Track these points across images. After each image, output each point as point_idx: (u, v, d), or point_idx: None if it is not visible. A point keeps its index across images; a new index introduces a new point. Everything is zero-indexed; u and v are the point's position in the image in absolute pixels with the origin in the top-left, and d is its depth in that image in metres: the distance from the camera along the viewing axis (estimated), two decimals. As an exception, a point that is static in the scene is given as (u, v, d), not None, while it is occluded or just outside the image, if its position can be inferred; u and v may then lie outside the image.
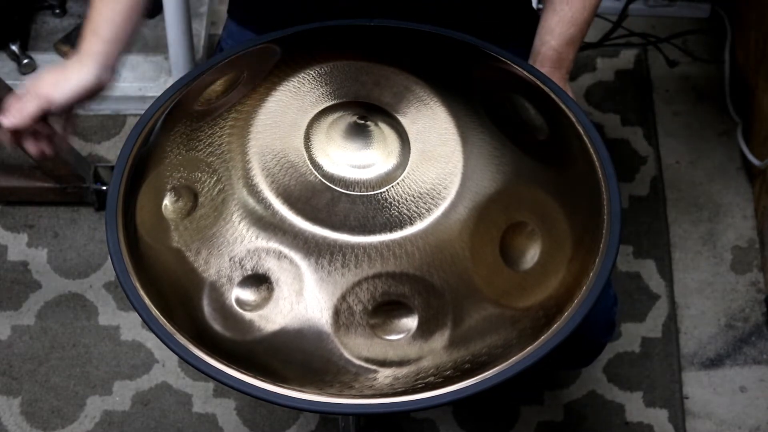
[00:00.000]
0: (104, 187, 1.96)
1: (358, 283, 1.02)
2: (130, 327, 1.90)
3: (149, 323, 1.06)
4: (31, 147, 1.27)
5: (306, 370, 1.03)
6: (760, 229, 1.98)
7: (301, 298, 1.02)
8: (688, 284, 1.95)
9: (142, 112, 1.20)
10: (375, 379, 1.02)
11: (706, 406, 1.84)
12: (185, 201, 1.08)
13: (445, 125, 1.08)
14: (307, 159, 1.07)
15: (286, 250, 1.03)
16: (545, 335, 1.04)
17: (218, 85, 1.17)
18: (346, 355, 1.02)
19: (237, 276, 1.04)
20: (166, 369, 1.87)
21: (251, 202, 1.05)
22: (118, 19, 1.25)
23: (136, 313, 1.06)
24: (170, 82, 2.00)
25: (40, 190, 1.98)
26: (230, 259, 1.04)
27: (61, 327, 1.91)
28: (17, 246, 1.99)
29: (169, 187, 1.10)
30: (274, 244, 1.03)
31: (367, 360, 1.02)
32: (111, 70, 1.26)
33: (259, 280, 1.04)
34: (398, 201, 1.04)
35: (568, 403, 1.84)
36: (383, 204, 1.04)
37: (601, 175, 1.13)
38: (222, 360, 1.03)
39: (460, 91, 1.12)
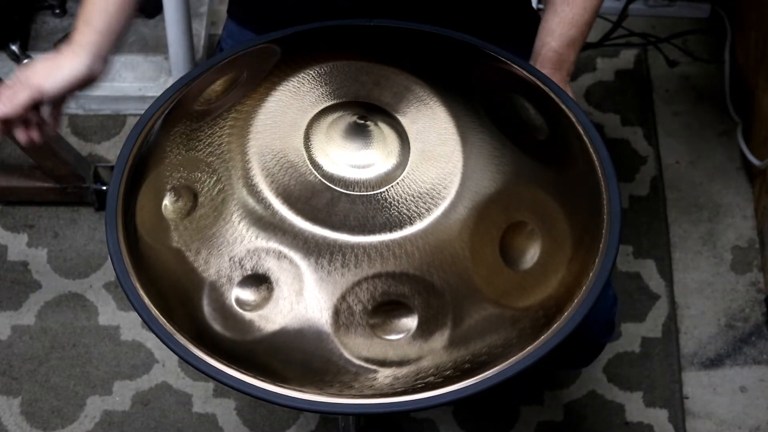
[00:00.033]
0: (104, 187, 1.96)
1: (358, 283, 1.02)
2: (130, 327, 1.90)
3: (149, 323, 1.06)
4: (21, 135, 1.27)
5: (306, 370, 1.03)
6: (760, 229, 1.98)
7: (301, 298, 1.02)
8: (688, 284, 1.95)
9: (142, 112, 1.20)
10: (375, 379, 1.02)
11: (706, 406, 1.84)
12: (185, 201, 1.08)
13: (444, 125, 1.08)
14: (306, 159, 1.07)
15: (285, 250, 1.03)
16: (545, 335, 1.04)
17: (218, 85, 1.17)
18: (346, 355, 1.02)
19: (237, 276, 1.04)
20: (166, 369, 1.87)
21: (251, 202, 1.05)
22: (111, 10, 1.25)
23: (136, 313, 1.06)
24: (170, 82, 2.00)
25: (40, 190, 1.98)
26: (230, 259, 1.04)
27: (61, 327, 1.91)
28: (17, 246, 1.99)
29: (169, 187, 1.10)
30: (273, 244, 1.03)
31: (367, 360, 1.02)
32: (103, 61, 1.26)
33: (259, 280, 1.04)
34: (398, 201, 1.04)
35: (568, 403, 1.84)
36: (383, 204, 1.04)
37: (601, 175, 1.13)
38: (222, 360, 1.03)
39: (460, 91, 1.12)
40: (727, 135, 2.10)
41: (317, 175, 1.06)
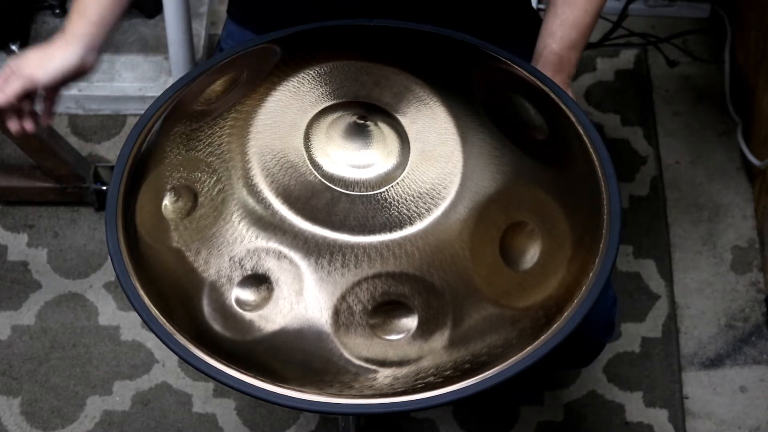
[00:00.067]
0: (104, 187, 1.96)
1: (358, 283, 1.02)
2: (130, 327, 1.90)
3: (149, 323, 1.06)
4: (13, 125, 1.27)
5: (306, 370, 1.03)
6: (760, 229, 1.98)
7: (301, 298, 1.02)
8: (688, 284, 1.95)
9: (142, 112, 1.20)
10: (375, 379, 1.02)
11: (706, 406, 1.84)
12: (185, 201, 1.08)
13: (444, 125, 1.08)
14: (306, 159, 1.07)
15: (285, 250, 1.03)
16: (545, 335, 1.04)
17: (218, 85, 1.17)
18: (346, 355, 1.02)
19: (237, 276, 1.04)
20: (166, 369, 1.87)
21: (251, 202, 1.05)
22: (105, 2, 1.26)
23: (136, 313, 1.06)
24: (170, 82, 2.00)
25: (40, 190, 1.98)
26: (230, 259, 1.04)
27: (61, 327, 1.91)
28: (17, 246, 1.99)
29: (169, 187, 1.10)
30: (273, 244, 1.03)
31: (367, 360, 1.02)
32: (96, 52, 1.26)
33: (258, 280, 1.04)
34: (398, 201, 1.04)
35: (568, 403, 1.84)
36: (383, 204, 1.04)
37: (601, 175, 1.13)
38: (222, 360, 1.03)
39: (460, 91, 1.12)
40: (727, 135, 2.10)
41: (317, 175, 1.06)
